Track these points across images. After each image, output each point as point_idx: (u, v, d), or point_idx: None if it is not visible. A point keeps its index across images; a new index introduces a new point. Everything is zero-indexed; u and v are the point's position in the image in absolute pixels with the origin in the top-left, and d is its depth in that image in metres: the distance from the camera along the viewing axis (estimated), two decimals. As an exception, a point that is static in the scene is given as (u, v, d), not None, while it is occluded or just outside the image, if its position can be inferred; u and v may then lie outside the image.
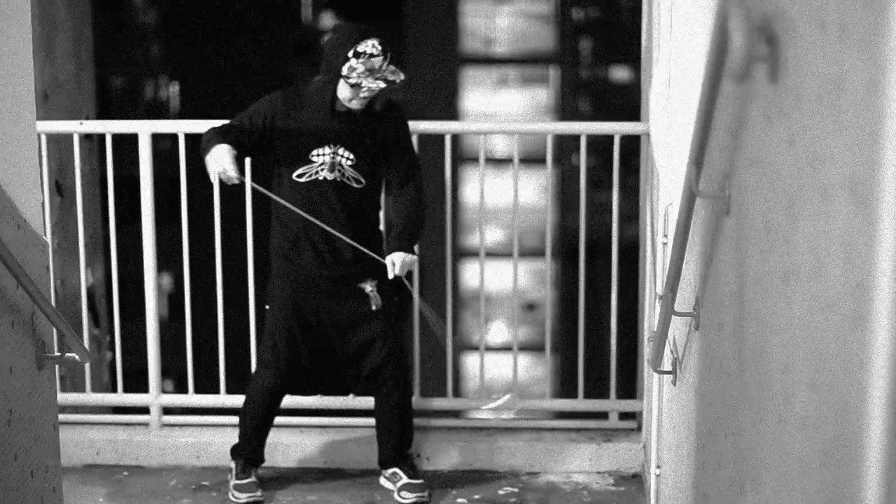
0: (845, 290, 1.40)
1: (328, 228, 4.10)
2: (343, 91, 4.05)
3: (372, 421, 4.50)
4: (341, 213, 4.13)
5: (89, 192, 5.88)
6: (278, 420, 4.62)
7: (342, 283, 4.20)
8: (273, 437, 4.51)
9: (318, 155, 4.12)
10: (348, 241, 4.11)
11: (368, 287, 4.21)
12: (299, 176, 4.13)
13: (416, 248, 4.20)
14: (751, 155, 2.01)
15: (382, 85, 4.00)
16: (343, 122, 4.10)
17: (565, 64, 19.75)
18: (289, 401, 4.68)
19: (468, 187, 16.48)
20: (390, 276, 4.13)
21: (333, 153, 4.11)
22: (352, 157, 4.12)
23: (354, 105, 4.07)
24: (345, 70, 3.99)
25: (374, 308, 4.21)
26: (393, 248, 4.13)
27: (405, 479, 4.38)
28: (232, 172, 3.98)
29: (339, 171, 4.12)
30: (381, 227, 4.33)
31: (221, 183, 4.11)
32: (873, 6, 1.31)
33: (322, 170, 4.12)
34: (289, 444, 4.67)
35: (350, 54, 3.98)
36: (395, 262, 4.10)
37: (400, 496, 4.36)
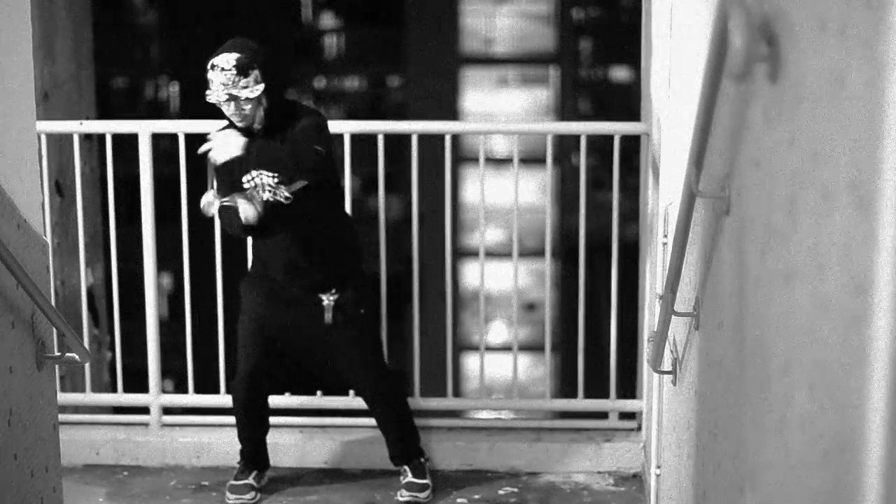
0: (845, 290, 1.40)
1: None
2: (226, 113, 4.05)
3: (372, 421, 4.52)
4: (289, 230, 4.12)
5: (89, 192, 5.88)
6: (278, 420, 4.62)
7: (301, 294, 4.21)
8: (273, 437, 4.51)
9: (248, 181, 4.10)
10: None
11: (326, 300, 4.21)
12: None
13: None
14: (751, 155, 2.01)
15: (223, 98, 3.96)
16: (256, 145, 4.02)
17: (565, 64, 19.74)
18: (290, 401, 4.69)
19: (468, 187, 16.48)
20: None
21: (258, 175, 4.09)
22: (273, 174, 4.07)
23: (238, 123, 4.03)
24: (208, 82, 4.01)
25: (326, 321, 4.21)
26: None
27: (409, 478, 4.41)
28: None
29: (269, 191, 4.10)
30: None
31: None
32: (873, 6, 1.31)
33: (256, 193, 4.11)
34: (289, 444, 4.67)
35: (209, 66, 4.01)
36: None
37: (399, 494, 4.41)
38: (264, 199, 4.08)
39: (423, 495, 4.39)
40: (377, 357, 4.35)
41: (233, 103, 3.99)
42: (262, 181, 4.09)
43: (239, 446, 4.46)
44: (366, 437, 4.68)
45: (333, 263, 4.22)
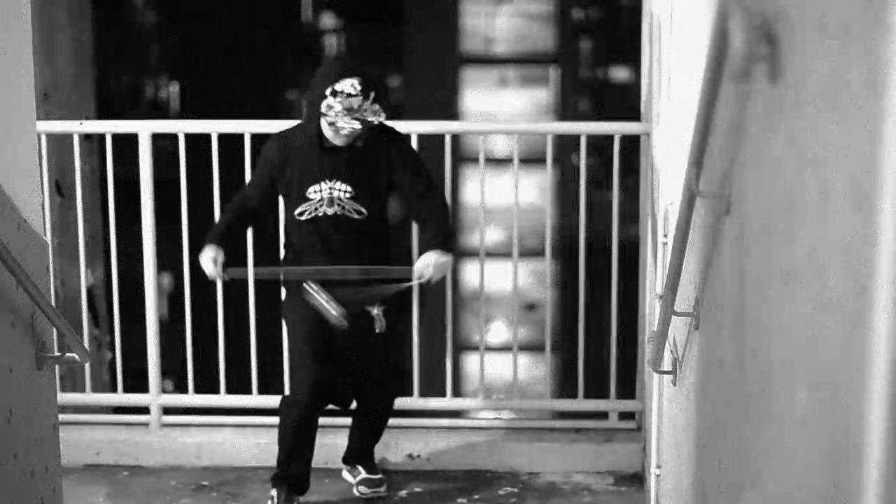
0: (845, 290, 1.40)
1: (341, 271, 4.10)
2: (325, 130, 4.04)
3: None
4: (350, 245, 4.12)
5: (89, 192, 5.88)
6: (277, 420, 4.61)
7: (350, 308, 4.18)
8: (272, 437, 4.49)
9: (314, 192, 4.12)
10: (371, 269, 4.12)
11: (375, 310, 4.18)
12: (300, 214, 4.14)
13: (451, 248, 4.16)
14: (751, 155, 2.01)
15: (358, 126, 3.96)
16: (334, 157, 4.08)
17: (565, 64, 19.72)
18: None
19: (468, 187, 16.47)
20: (420, 279, 4.07)
21: (330, 188, 4.11)
22: (349, 189, 4.10)
23: (338, 142, 4.05)
24: (323, 108, 3.97)
25: (377, 331, 4.18)
26: (425, 250, 4.13)
27: (363, 475, 4.44)
28: (213, 273, 4.14)
29: (338, 204, 4.11)
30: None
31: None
32: (873, 6, 1.31)
33: (321, 206, 4.12)
34: (289, 444, 4.66)
35: (328, 92, 3.95)
36: (429, 263, 4.06)
37: (358, 490, 4.44)
38: (329, 213, 4.11)
39: (382, 489, 4.43)
40: (401, 366, 4.40)
41: (344, 129, 3.98)
42: (334, 194, 4.09)
43: (277, 475, 4.30)
44: (366, 437, 4.68)
45: (382, 281, 4.19)
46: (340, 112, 3.94)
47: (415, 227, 4.54)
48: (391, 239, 4.28)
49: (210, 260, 4.12)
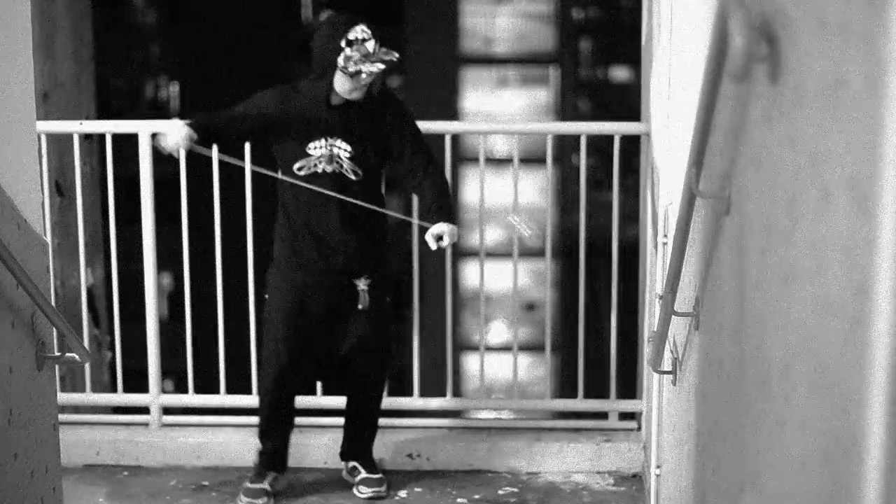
0: (845, 291, 1.40)
1: (347, 199, 4.12)
2: (342, 84, 4.08)
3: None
4: (343, 204, 4.15)
5: (89, 192, 5.88)
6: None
7: (337, 277, 4.21)
8: (273, 437, 4.50)
9: (315, 148, 4.14)
10: (372, 207, 4.16)
11: (361, 284, 4.22)
12: (299, 169, 4.16)
13: (454, 218, 4.22)
14: (751, 155, 2.01)
15: (381, 66, 4.04)
16: (339, 115, 4.14)
17: (565, 64, 19.73)
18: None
19: (468, 187, 16.48)
20: (436, 245, 4.14)
21: (331, 145, 4.14)
22: (349, 148, 4.15)
23: (355, 95, 4.10)
24: (341, 61, 4.02)
25: (360, 307, 4.22)
26: (435, 221, 4.17)
27: (363, 474, 4.43)
28: (176, 138, 4.01)
29: (336, 162, 4.14)
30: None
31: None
32: (873, 6, 1.31)
33: (320, 162, 4.14)
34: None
35: (343, 44, 4.02)
36: (444, 233, 4.12)
37: (358, 490, 4.42)
38: (328, 171, 4.12)
39: (383, 489, 4.42)
40: (389, 348, 4.38)
41: (368, 73, 4.02)
42: (334, 152, 4.10)
43: (258, 446, 4.40)
44: (366, 437, 4.67)
45: (374, 246, 4.24)
46: (359, 59, 4.01)
47: (415, 227, 4.54)
48: (385, 204, 4.32)
49: (181, 128, 4.03)
